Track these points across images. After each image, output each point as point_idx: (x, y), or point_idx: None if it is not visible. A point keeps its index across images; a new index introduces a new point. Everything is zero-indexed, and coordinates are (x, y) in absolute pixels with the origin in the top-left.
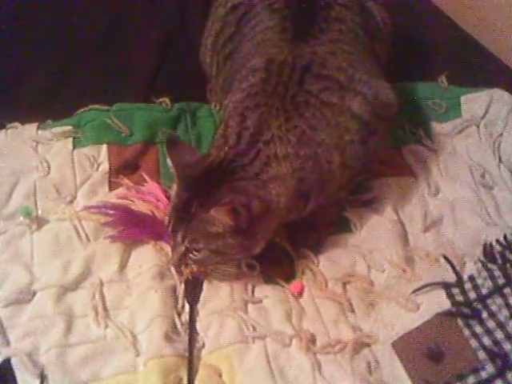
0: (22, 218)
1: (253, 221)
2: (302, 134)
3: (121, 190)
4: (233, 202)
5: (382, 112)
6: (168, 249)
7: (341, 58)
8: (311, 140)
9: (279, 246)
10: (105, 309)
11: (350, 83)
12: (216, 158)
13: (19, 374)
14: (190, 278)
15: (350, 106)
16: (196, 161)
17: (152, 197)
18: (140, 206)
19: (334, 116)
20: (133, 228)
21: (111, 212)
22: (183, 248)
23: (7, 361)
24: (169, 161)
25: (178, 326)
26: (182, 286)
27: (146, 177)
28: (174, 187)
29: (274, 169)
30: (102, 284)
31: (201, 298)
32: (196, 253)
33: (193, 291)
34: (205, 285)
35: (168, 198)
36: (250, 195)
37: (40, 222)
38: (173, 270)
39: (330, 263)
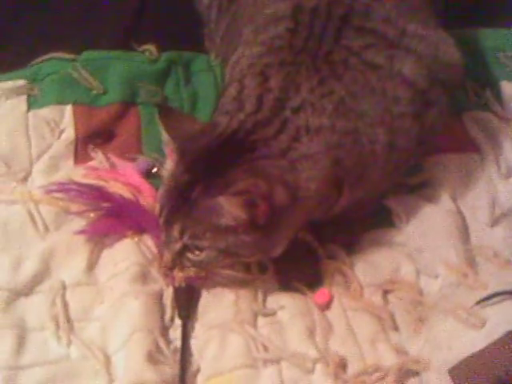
0: None
1: (274, 214)
2: (339, 101)
3: (90, 165)
4: (250, 191)
5: (442, 76)
6: (152, 243)
7: (389, 5)
8: (351, 110)
9: (301, 241)
10: (68, 320)
11: (400, 39)
12: (227, 128)
13: None
14: (184, 285)
15: (400, 69)
16: (200, 132)
17: (129, 179)
18: (116, 188)
19: (379, 81)
20: (108, 217)
21: (79, 193)
22: (180, 245)
23: None
24: (164, 134)
25: (165, 345)
26: (171, 292)
27: (115, 158)
28: (168, 165)
29: (305, 145)
30: (64, 288)
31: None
32: (197, 252)
33: (186, 303)
34: (202, 291)
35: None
36: (273, 180)
37: None
38: (158, 272)
39: (366, 265)
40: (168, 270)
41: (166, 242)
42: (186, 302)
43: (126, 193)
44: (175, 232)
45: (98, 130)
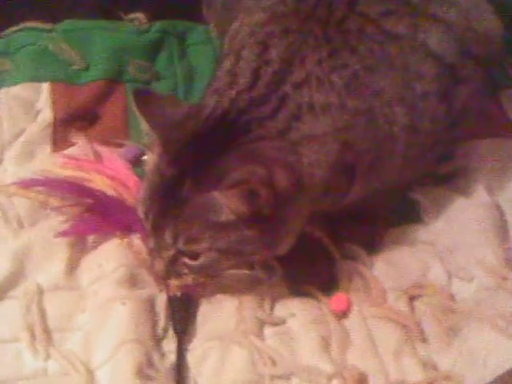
0: None
1: (279, 201)
2: (352, 76)
3: (70, 153)
4: (248, 181)
5: (476, 49)
6: (141, 244)
7: None
8: (365, 87)
9: (313, 239)
10: (45, 330)
11: (426, 5)
12: (217, 109)
13: None
14: (179, 294)
15: (425, 41)
16: (185, 116)
17: (114, 172)
18: (98, 183)
19: (400, 54)
20: (92, 215)
21: (56, 188)
22: (174, 252)
23: None
24: (142, 122)
25: (158, 358)
26: (164, 297)
27: (98, 145)
28: (150, 158)
29: (308, 124)
30: (41, 292)
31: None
32: (195, 257)
33: (183, 315)
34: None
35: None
36: (272, 163)
37: None
38: (148, 275)
39: (390, 267)
40: (162, 280)
41: (156, 250)
42: (183, 315)
43: (109, 189)
44: (167, 238)
45: (80, 112)
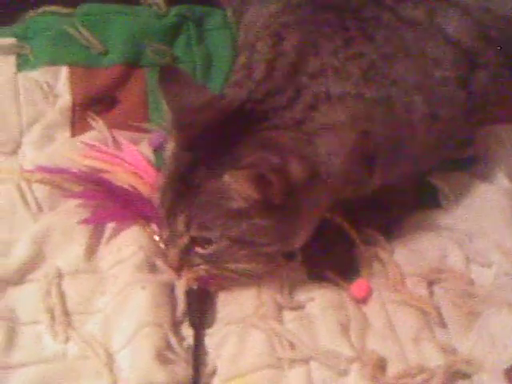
0: None
1: (292, 192)
2: (369, 65)
3: (90, 136)
4: (259, 165)
5: (495, 33)
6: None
7: None
8: (383, 76)
9: (333, 225)
10: (65, 313)
11: None
12: (234, 100)
13: None
14: (196, 287)
15: (442, 26)
16: (204, 103)
17: (134, 164)
18: (120, 176)
19: (418, 41)
20: (113, 203)
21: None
22: (187, 240)
23: None
24: (164, 103)
25: (177, 341)
26: (183, 282)
27: (120, 133)
28: (170, 145)
29: (325, 114)
30: (60, 276)
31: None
32: (207, 246)
33: (199, 307)
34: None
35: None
36: (286, 152)
37: None
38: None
39: (409, 252)
40: (176, 271)
41: (170, 239)
42: (199, 307)
43: (129, 182)
44: (180, 225)
45: (98, 96)
